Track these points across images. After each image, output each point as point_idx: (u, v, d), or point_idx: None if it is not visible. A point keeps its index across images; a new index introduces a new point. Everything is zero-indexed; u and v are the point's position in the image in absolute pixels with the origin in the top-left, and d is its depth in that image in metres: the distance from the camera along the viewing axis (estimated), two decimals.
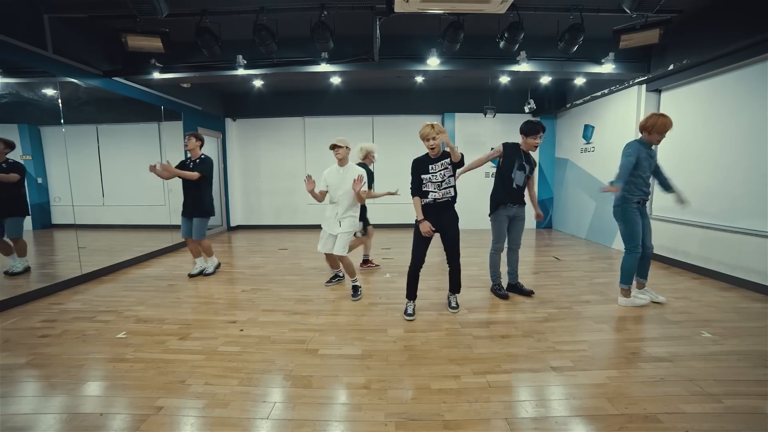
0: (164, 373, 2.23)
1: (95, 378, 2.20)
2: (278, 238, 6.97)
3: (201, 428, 1.77)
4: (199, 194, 4.13)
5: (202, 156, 4.18)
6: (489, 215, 3.45)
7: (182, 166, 4.15)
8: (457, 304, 3.24)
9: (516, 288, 3.57)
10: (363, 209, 4.11)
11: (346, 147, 3.44)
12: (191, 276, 4.28)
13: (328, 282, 3.92)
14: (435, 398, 1.97)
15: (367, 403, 1.94)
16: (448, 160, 2.96)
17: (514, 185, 3.31)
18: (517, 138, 3.41)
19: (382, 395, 2.00)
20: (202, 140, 4.24)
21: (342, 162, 3.46)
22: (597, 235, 6.26)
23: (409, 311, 3.10)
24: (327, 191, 3.54)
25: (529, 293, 3.50)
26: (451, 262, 3.10)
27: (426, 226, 2.92)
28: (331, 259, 3.77)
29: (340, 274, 3.92)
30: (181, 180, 4.13)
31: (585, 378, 2.14)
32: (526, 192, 3.45)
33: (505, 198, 3.34)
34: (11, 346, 2.61)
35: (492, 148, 3.50)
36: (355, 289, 3.56)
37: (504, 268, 3.59)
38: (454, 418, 1.81)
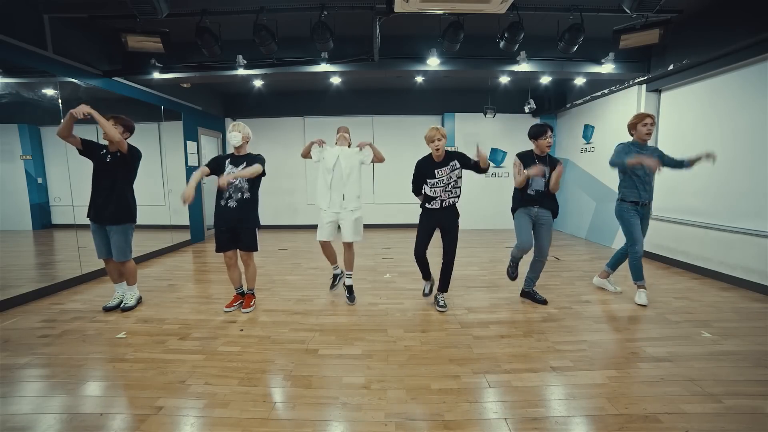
0: (164, 373, 2.23)
1: (95, 378, 2.20)
2: (278, 238, 6.97)
3: (201, 428, 1.77)
4: (123, 191, 3.10)
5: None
6: (512, 214, 3.32)
7: (97, 152, 3.10)
8: (444, 303, 3.20)
9: (530, 295, 3.40)
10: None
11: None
12: (107, 309, 3.21)
13: (332, 287, 3.53)
14: (435, 398, 1.97)
15: (367, 403, 1.94)
16: (456, 162, 2.98)
17: (531, 191, 3.15)
18: (516, 138, 3.39)
19: (382, 395, 2.00)
20: (129, 128, 3.17)
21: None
22: (597, 235, 6.25)
23: (426, 291, 3.39)
24: (317, 159, 3.37)
25: (543, 302, 3.30)
26: (447, 253, 3.10)
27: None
28: (331, 251, 3.42)
29: (337, 272, 3.52)
30: (93, 171, 3.08)
31: (585, 378, 2.14)
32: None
33: (521, 205, 3.21)
34: (11, 346, 2.61)
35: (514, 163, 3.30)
36: (350, 289, 3.43)
37: (524, 268, 3.43)
38: (454, 418, 1.81)
